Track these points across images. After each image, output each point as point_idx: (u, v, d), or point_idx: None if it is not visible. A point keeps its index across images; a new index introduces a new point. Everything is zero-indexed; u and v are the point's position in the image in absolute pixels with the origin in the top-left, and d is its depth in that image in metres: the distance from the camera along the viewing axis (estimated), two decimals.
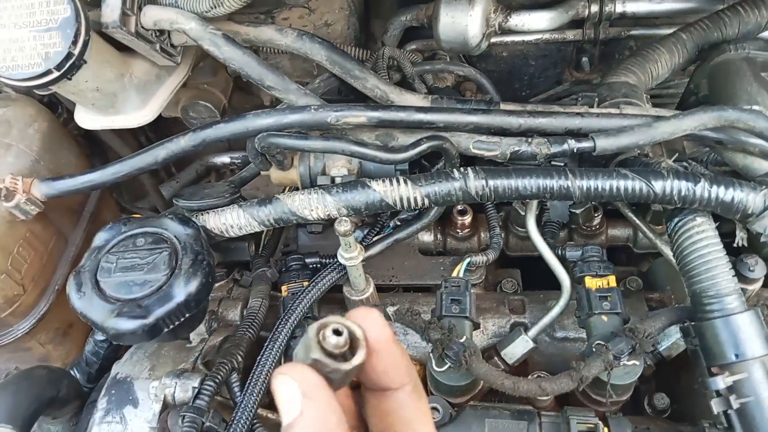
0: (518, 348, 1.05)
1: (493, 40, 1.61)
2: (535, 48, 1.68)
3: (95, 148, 1.47)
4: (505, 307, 1.15)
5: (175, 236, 0.91)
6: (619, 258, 1.38)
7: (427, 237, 1.28)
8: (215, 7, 1.01)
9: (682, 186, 0.90)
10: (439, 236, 1.28)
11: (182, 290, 0.86)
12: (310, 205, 0.95)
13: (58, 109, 1.35)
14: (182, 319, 0.87)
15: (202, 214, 1.01)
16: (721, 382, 0.85)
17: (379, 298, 1.11)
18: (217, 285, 1.15)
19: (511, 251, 1.30)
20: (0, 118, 1.19)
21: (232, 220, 0.98)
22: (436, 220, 1.22)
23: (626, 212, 1.09)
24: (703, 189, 0.90)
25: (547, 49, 1.69)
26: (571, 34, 1.62)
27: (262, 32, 1.10)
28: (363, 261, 1.03)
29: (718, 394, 0.86)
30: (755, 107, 1.20)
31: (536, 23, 1.47)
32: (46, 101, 1.31)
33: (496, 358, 1.06)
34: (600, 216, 1.23)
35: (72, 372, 1.11)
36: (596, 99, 1.23)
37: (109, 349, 1.09)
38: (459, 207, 1.24)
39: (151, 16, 1.03)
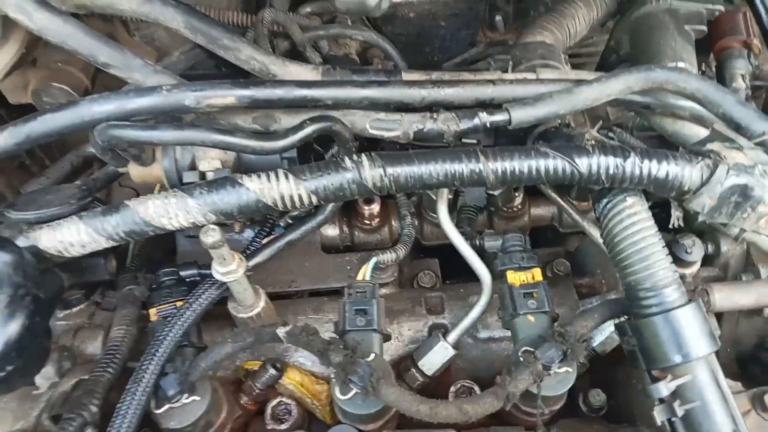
0: (437, 357, 0.91)
1: None
2: (445, 7, 1.53)
3: None
4: (422, 307, 1.01)
5: None
6: (545, 237, 1.27)
7: (330, 231, 1.11)
8: None
9: (610, 163, 0.77)
10: (344, 229, 1.11)
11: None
12: (168, 212, 0.76)
13: None
14: (3, 373, 0.67)
15: (34, 230, 0.80)
16: (664, 388, 0.74)
17: (275, 311, 0.94)
18: (73, 311, 0.94)
19: (426, 240, 1.15)
20: None
21: (71, 236, 0.78)
22: (338, 210, 1.07)
23: (548, 191, 0.96)
24: (633, 165, 0.77)
25: (457, 8, 1.55)
26: None
27: None
28: (248, 272, 0.86)
29: (661, 401, 0.75)
30: (680, 64, 1.09)
31: None
32: None
33: (413, 369, 0.92)
34: (521, 196, 1.10)
35: None
36: (510, 62, 1.09)
37: None
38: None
39: None
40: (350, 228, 1.12)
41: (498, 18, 1.59)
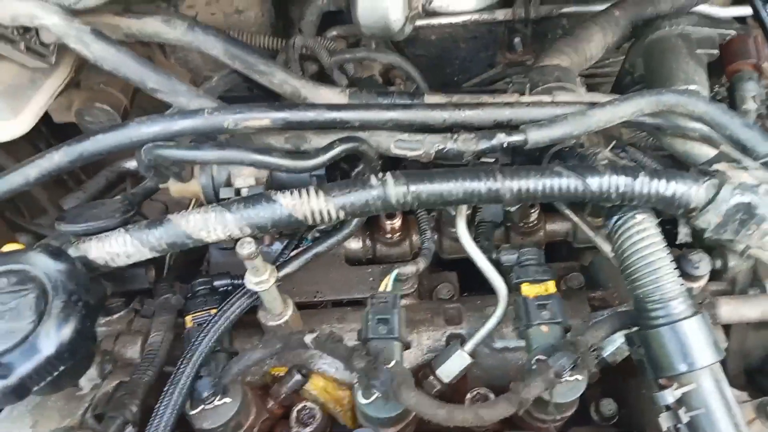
0: (455, 365, 0.96)
1: (420, 22, 1.51)
2: (465, 30, 1.59)
3: None
4: (440, 318, 1.05)
5: (44, 273, 0.77)
6: (560, 251, 1.31)
7: (354, 244, 1.17)
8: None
9: (620, 182, 0.82)
10: (367, 242, 1.17)
11: (52, 340, 0.72)
12: (208, 226, 0.83)
13: None
14: (55, 374, 0.73)
15: (84, 242, 0.87)
16: (669, 396, 0.78)
17: (302, 320, 1.00)
18: (114, 318, 1.01)
19: (445, 254, 1.20)
20: None
21: (117, 248, 0.84)
22: (362, 225, 1.12)
23: (562, 208, 1.00)
24: (642, 184, 0.81)
25: (477, 31, 1.61)
26: (501, 14, 1.55)
27: (146, 24, 0.96)
28: (278, 282, 0.92)
29: (668, 408, 0.79)
30: (692, 87, 1.14)
31: (462, 4, 1.38)
32: None
33: (431, 377, 0.97)
34: (537, 212, 1.15)
35: None
36: (528, 84, 1.14)
37: None
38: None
39: (8, 10, 0.87)
40: (373, 241, 1.17)
41: (516, 40, 1.64)
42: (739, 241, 0.86)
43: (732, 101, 1.21)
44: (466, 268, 1.22)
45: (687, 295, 0.81)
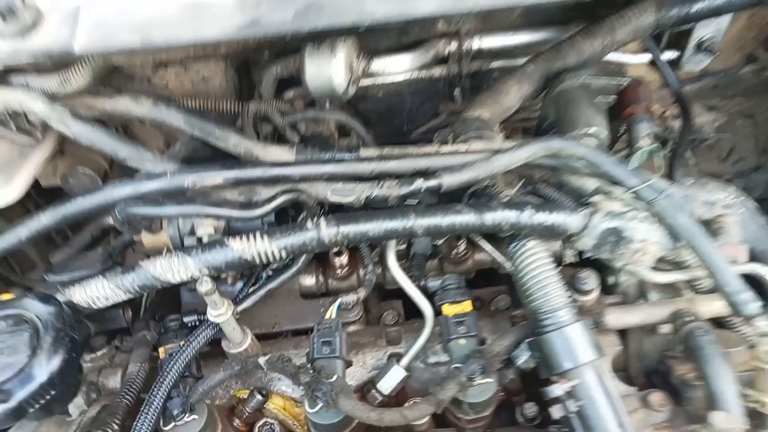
0: (392, 378, 1.11)
1: (366, 82, 1.70)
2: (408, 86, 1.77)
3: None
4: (382, 340, 1.21)
5: (36, 315, 0.93)
6: (495, 277, 1.48)
7: (308, 281, 1.33)
8: (63, 86, 1.04)
9: (510, 216, 1.00)
10: (320, 278, 1.34)
11: (44, 369, 0.88)
12: (172, 269, 0.99)
13: None
14: (47, 398, 0.88)
15: (68, 288, 1.03)
16: (558, 389, 0.94)
17: (260, 347, 1.16)
18: (98, 354, 1.16)
19: (389, 285, 1.37)
20: None
21: (97, 292, 1.01)
22: (313, 263, 1.29)
23: (477, 240, 1.18)
24: (528, 217, 1.00)
25: (419, 86, 1.79)
26: (437, 71, 1.73)
27: (118, 103, 1.14)
28: (237, 315, 1.08)
29: (558, 400, 0.95)
30: (592, 129, 1.33)
31: (397, 66, 1.57)
32: None
33: (373, 390, 1.12)
34: (463, 243, 1.32)
35: None
36: (451, 134, 1.33)
37: None
38: (335, 249, 1.30)
39: (1, 98, 1.05)
40: (325, 277, 1.34)
41: (456, 91, 1.83)
42: (616, 259, 1.04)
43: (631, 139, 1.41)
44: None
45: (571, 306, 0.98)
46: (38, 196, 1.62)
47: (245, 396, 1.14)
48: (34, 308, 0.94)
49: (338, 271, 1.32)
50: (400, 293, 1.40)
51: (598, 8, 1.48)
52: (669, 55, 1.73)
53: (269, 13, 0.85)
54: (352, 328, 1.25)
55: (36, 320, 0.92)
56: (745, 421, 0.92)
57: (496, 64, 1.75)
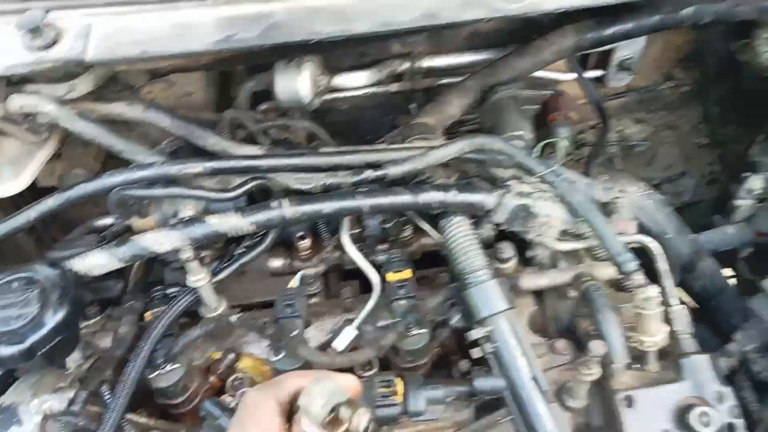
0: (345, 337, 1.30)
1: (333, 95, 1.92)
2: (369, 100, 1.99)
3: None
4: (339, 309, 1.42)
5: (44, 277, 1.12)
6: (438, 260, 1.69)
7: (276, 263, 1.53)
8: (70, 92, 1.25)
9: (438, 196, 1.23)
10: (287, 260, 1.54)
11: (51, 318, 1.07)
12: (159, 241, 1.20)
13: None
14: (53, 342, 1.07)
15: (69, 260, 1.22)
16: (476, 333, 1.15)
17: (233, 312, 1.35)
18: (91, 322, 1.34)
19: (347, 265, 1.57)
20: None
21: (95, 261, 1.20)
22: (281, 248, 1.50)
23: (416, 219, 1.40)
24: (453, 196, 1.22)
25: (378, 100, 2.01)
26: (394, 87, 1.97)
27: (114, 107, 1.35)
28: (213, 283, 1.28)
29: (477, 344, 1.16)
30: (518, 132, 1.57)
31: (356, 81, 1.80)
32: None
33: (329, 349, 1.32)
34: (409, 228, 1.53)
35: None
36: (399, 137, 1.56)
37: None
38: (299, 234, 1.50)
39: (16, 102, 1.25)
40: (291, 259, 1.54)
41: (412, 105, 2.06)
42: (528, 231, 1.27)
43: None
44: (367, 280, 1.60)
45: (488, 267, 1.20)
46: (30, 197, 1.82)
47: (219, 357, 1.33)
48: (43, 271, 1.13)
49: (302, 253, 1.52)
50: (356, 275, 1.61)
51: (530, 33, 1.73)
52: (595, 73, 2.00)
53: (240, 31, 1.07)
54: (313, 300, 1.45)
55: (44, 281, 1.12)
56: (627, 354, 1.14)
57: (444, 80, 1.99)
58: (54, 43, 1.05)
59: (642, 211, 1.49)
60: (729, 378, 1.24)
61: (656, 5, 1.57)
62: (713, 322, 1.59)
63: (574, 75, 1.94)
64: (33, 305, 1.08)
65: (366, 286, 1.55)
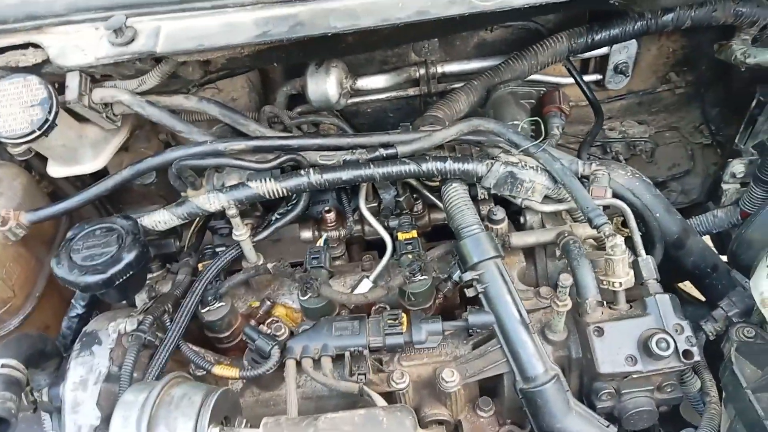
0: (362, 287, 1.55)
1: (356, 99, 2.19)
2: (390, 103, 2.25)
3: (57, 198, 1.95)
4: (359, 268, 1.66)
5: (120, 226, 1.41)
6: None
7: (306, 233, 1.79)
8: (140, 86, 1.56)
9: (438, 165, 1.47)
10: (315, 231, 1.80)
11: (127, 256, 1.35)
12: (209, 201, 1.48)
13: (31, 171, 1.84)
14: (127, 276, 1.35)
15: (139, 217, 1.51)
16: (469, 275, 1.38)
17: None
18: (155, 274, 1.62)
19: (368, 236, 1.82)
20: None
21: (159, 218, 1.49)
22: (310, 221, 1.76)
23: (420, 188, 1.65)
24: (449, 165, 1.47)
25: (399, 104, 2.26)
26: (411, 91, 2.22)
27: (174, 99, 1.65)
28: (253, 240, 1.55)
29: (471, 285, 1.39)
30: (516, 121, 1.81)
31: (377, 84, 2.07)
32: (24, 165, 1.80)
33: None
34: (420, 203, 1.77)
35: None
36: (410, 126, 1.81)
37: (79, 322, 1.54)
38: (326, 208, 1.76)
39: (98, 93, 1.57)
40: (318, 230, 1.79)
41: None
42: (516, 196, 1.50)
43: (547, 130, 1.88)
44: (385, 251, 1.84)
45: (479, 222, 1.43)
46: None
47: (258, 305, 1.59)
48: (120, 222, 1.42)
49: (328, 225, 1.78)
50: (375, 247, 1.86)
51: (531, 41, 1.96)
52: (594, 77, 2.23)
53: (273, 28, 1.35)
54: (337, 263, 1.70)
55: (120, 229, 1.40)
56: (598, 293, 1.34)
57: (456, 85, 2.24)
58: (132, 40, 1.36)
59: (630, 191, 1.68)
60: (716, 341, 1.42)
61: (640, 12, 1.80)
62: (710, 298, 1.76)
63: (572, 80, 2.18)
64: (112, 246, 1.36)
65: (384, 254, 1.80)
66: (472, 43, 2.14)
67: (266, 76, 2.18)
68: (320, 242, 1.62)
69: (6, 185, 1.67)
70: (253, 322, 1.57)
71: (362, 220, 1.82)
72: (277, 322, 1.55)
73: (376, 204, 1.73)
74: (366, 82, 2.06)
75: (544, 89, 1.95)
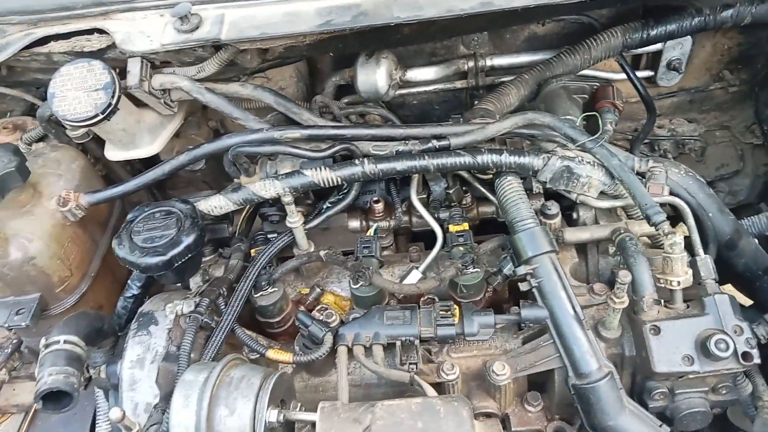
0: (412, 278, 1.55)
1: (403, 91, 2.19)
2: (436, 96, 2.24)
3: (110, 181, 2.00)
4: (407, 259, 1.67)
5: (179, 210, 1.43)
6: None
7: (354, 223, 1.80)
8: (199, 73, 1.58)
9: (493, 158, 1.47)
10: (363, 221, 1.81)
11: (186, 239, 1.37)
12: (265, 188, 1.49)
13: (87, 154, 1.89)
14: (186, 258, 1.37)
15: (196, 202, 1.54)
16: (523, 269, 1.37)
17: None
18: (207, 258, 1.65)
19: (415, 227, 1.82)
20: (53, 157, 1.73)
21: (215, 203, 1.51)
22: (358, 212, 1.77)
23: (471, 180, 1.64)
24: (505, 158, 1.46)
25: (445, 96, 2.26)
26: (459, 84, 2.21)
27: (230, 87, 1.67)
28: (305, 227, 1.56)
29: (524, 279, 1.38)
30: (568, 116, 1.79)
31: (426, 75, 2.06)
32: (81, 149, 1.85)
33: None
34: (469, 196, 1.76)
35: None
36: (461, 118, 1.81)
37: (134, 303, 1.58)
38: (374, 198, 1.76)
39: (158, 80, 1.60)
40: (366, 220, 1.80)
41: (477, 102, 2.31)
42: (571, 191, 1.48)
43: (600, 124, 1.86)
44: (432, 242, 1.84)
45: (534, 216, 1.42)
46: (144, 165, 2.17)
47: (307, 292, 1.60)
48: (178, 206, 1.45)
49: (377, 215, 1.78)
50: (423, 238, 1.86)
51: (584, 36, 1.94)
52: (645, 73, 2.19)
53: (336, 18, 1.36)
54: (385, 253, 1.71)
55: (180, 213, 1.43)
56: (654, 290, 1.32)
57: (505, 78, 2.22)
58: (197, 27, 1.38)
59: (684, 189, 1.64)
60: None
61: (698, 8, 1.76)
62: (759, 302, 1.71)
63: (624, 75, 2.15)
64: (172, 229, 1.39)
65: (430, 246, 1.80)
66: (522, 36, 2.12)
67: (314, 66, 2.20)
68: (371, 232, 1.63)
69: (65, 167, 1.71)
70: (302, 309, 1.59)
71: (410, 211, 1.82)
72: (327, 309, 1.56)
73: (425, 195, 1.73)
74: (415, 74, 2.06)
75: (597, 84, 1.92)
